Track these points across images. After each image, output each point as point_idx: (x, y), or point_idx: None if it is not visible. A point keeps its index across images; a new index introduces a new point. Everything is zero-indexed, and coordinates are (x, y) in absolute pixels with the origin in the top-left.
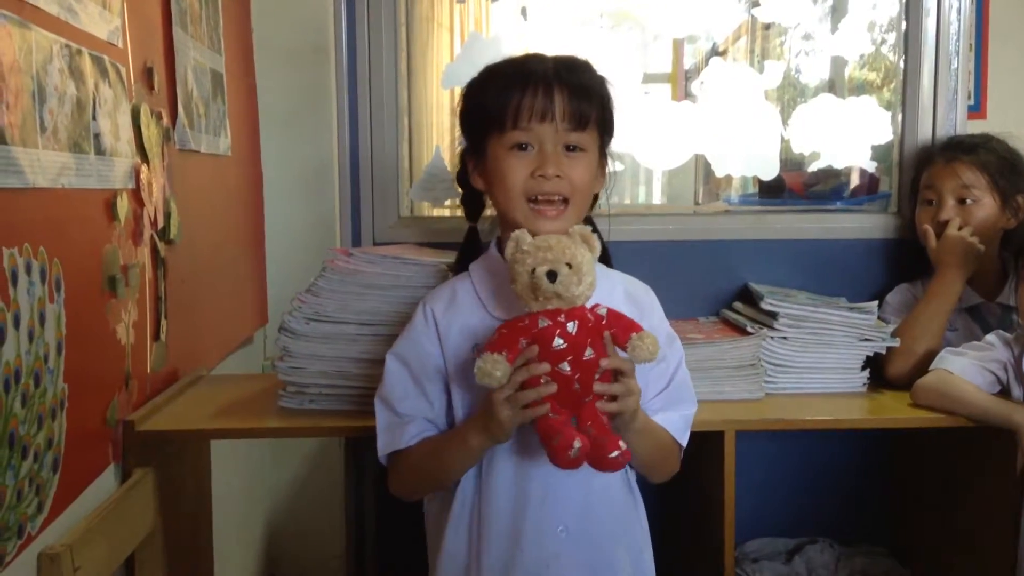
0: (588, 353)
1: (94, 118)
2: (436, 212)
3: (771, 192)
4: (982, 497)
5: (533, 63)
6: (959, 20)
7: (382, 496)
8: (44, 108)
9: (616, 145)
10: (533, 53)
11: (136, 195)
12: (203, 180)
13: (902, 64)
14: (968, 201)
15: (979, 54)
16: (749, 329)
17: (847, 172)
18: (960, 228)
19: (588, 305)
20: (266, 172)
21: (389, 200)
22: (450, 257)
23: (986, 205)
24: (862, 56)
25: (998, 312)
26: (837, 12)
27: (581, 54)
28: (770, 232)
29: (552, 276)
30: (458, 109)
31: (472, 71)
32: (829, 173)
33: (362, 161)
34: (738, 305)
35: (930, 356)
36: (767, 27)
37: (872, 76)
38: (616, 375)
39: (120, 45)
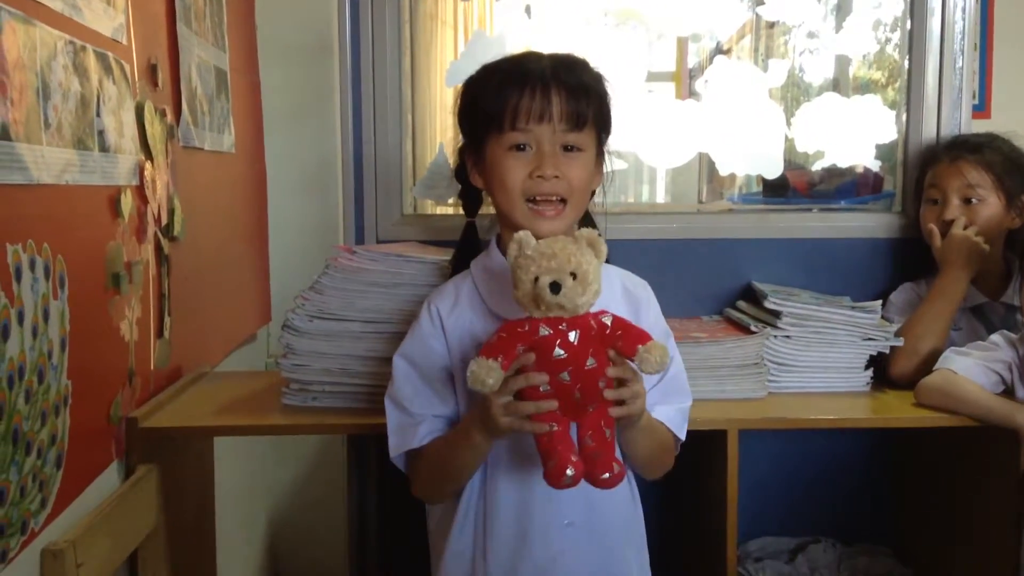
0: (590, 363)
1: (98, 115)
2: (439, 210)
3: (775, 191)
4: (985, 497)
5: (530, 62)
6: (964, 19)
7: (385, 493)
8: (48, 104)
9: (620, 143)
10: (530, 51)
11: (140, 192)
12: (207, 177)
13: (906, 63)
14: (973, 201)
15: (984, 54)
16: (752, 328)
17: (851, 171)
18: (965, 228)
19: (594, 310)
20: (270, 169)
21: (392, 198)
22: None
23: (991, 204)
24: (866, 55)
25: (1002, 312)
26: (842, 11)
27: (582, 52)
28: (774, 231)
29: (555, 288)
30: (455, 107)
31: (476, 69)
32: (833, 172)
33: (366, 159)
34: (742, 304)
35: (934, 356)
36: (771, 26)
37: (876, 75)
38: (621, 381)
39: (124, 42)
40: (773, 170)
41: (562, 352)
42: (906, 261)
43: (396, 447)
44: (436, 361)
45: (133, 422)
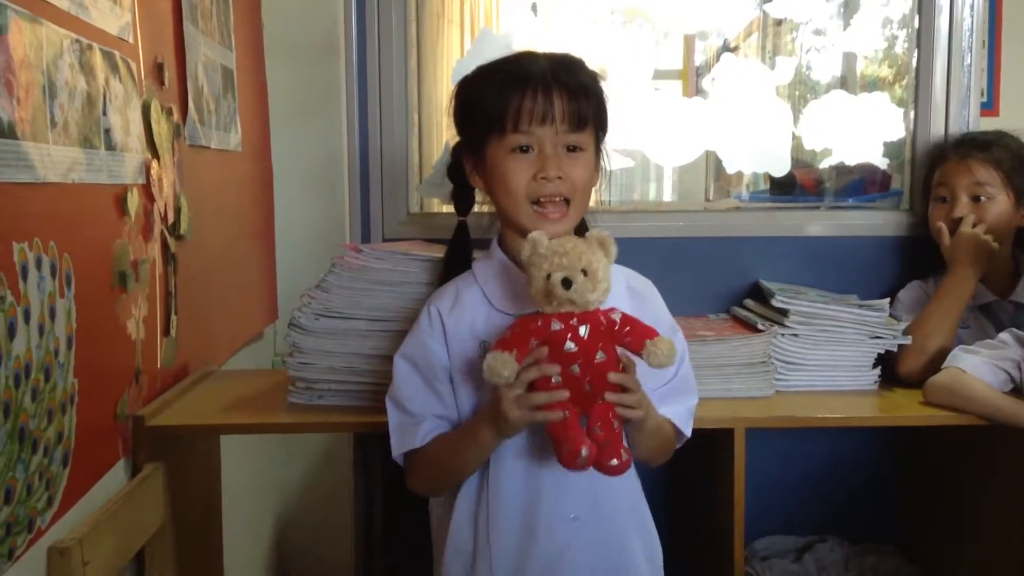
0: (600, 356)
1: (104, 113)
2: (445, 208)
3: (782, 189)
4: (993, 496)
5: (529, 63)
6: (972, 16)
7: (391, 491)
8: (55, 103)
9: (627, 142)
10: (526, 52)
11: (146, 190)
12: (213, 176)
13: (914, 61)
14: (982, 199)
15: (992, 51)
16: (760, 326)
17: (859, 169)
18: (974, 226)
19: (602, 307)
20: (276, 168)
21: (398, 196)
22: None
23: (1000, 202)
24: (874, 52)
25: (1011, 310)
26: (849, 8)
27: (589, 50)
28: (781, 229)
29: (567, 283)
30: (451, 106)
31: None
32: (841, 170)
33: (371, 157)
34: (749, 302)
35: (942, 354)
36: (779, 23)
37: (884, 73)
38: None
39: (131, 40)
40: (780, 168)
41: (573, 346)
42: (914, 259)
43: (397, 447)
44: (436, 362)
45: (140, 420)
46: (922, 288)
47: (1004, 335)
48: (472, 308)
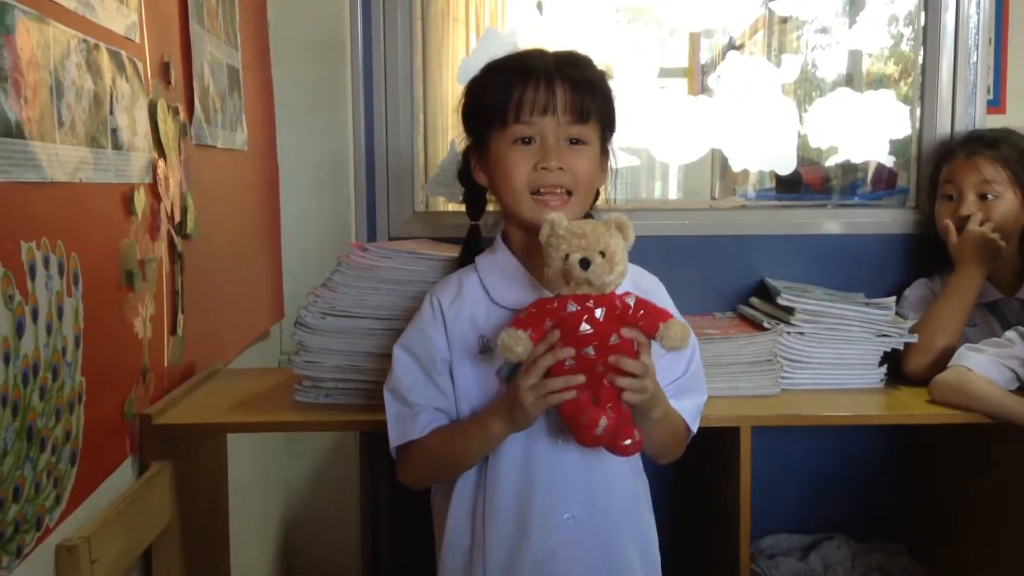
0: (614, 339)
1: (111, 113)
2: (451, 207)
3: (788, 187)
4: (999, 494)
5: (534, 58)
6: (978, 13)
7: (397, 489)
8: (62, 103)
9: (632, 140)
10: (533, 49)
11: (153, 190)
12: (220, 175)
13: (920, 58)
14: (989, 196)
15: (998, 48)
16: (765, 324)
17: (865, 167)
18: (981, 224)
19: (618, 292)
20: (282, 167)
21: (404, 195)
22: None
23: (1007, 200)
24: (880, 49)
25: (1017, 308)
26: (855, 6)
27: (594, 48)
28: (787, 227)
29: (585, 264)
30: (459, 107)
31: (480, 68)
32: (847, 168)
33: (377, 156)
34: (754, 300)
35: (949, 352)
36: (784, 21)
37: (890, 70)
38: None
39: (137, 40)
40: (786, 166)
41: (588, 328)
42: (920, 257)
43: (396, 438)
44: (436, 354)
45: (147, 419)
46: (928, 286)
47: (1010, 333)
48: (473, 301)
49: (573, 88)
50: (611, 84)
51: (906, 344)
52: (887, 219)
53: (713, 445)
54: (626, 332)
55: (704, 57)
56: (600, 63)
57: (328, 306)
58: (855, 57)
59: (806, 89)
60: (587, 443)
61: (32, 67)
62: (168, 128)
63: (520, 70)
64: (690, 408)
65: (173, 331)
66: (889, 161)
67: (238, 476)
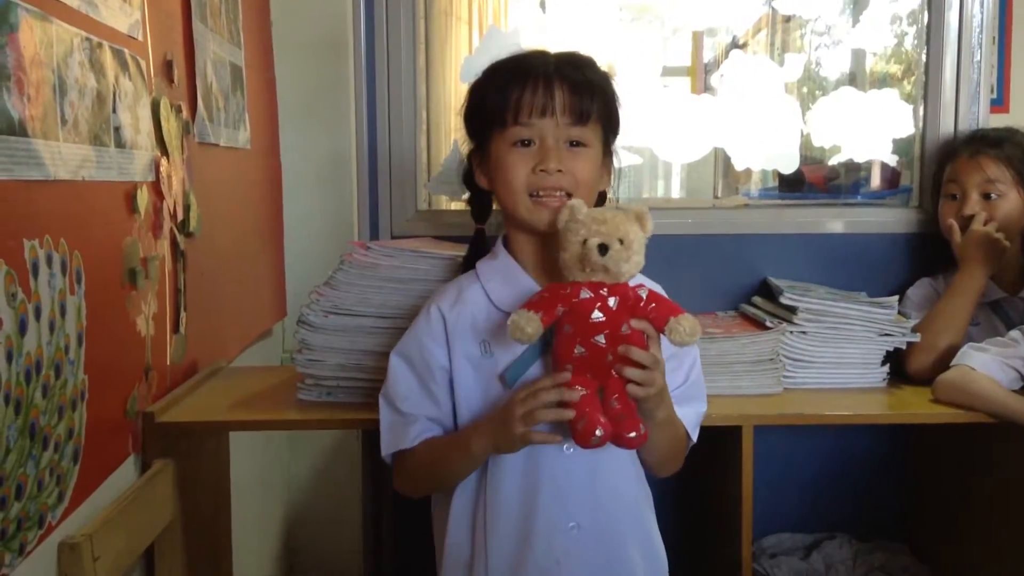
0: (625, 329)
1: (114, 111)
2: (454, 206)
3: (791, 186)
4: (1002, 494)
5: (534, 59)
6: (982, 12)
7: None
8: (65, 101)
9: (635, 138)
10: (535, 50)
11: (156, 188)
12: (222, 173)
13: (924, 57)
14: (993, 196)
15: (1002, 47)
16: (768, 324)
17: (868, 166)
18: (985, 223)
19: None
20: (285, 165)
21: (407, 193)
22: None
23: (1011, 200)
24: (885, 48)
25: (1021, 307)
26: (858, 4)
27: (597, 47)
28: (790, 226)
29: (603, 249)
30: (462, 110)
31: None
32: (850, 167)
33: (380, 154)
34: (757, 299)
35: (952, 351)
36: (787, 20)
37: (893, 69)
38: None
39: (140, 38)
40: (789, 165)
41: (600, 315)
42: (923, 256)
43: (387, 447)
44: (433, 361)
45: (149, 417)
46: (931, 285)
47: (1014, 332)
48: (474, 306)
49: (572, 89)
50: (615, 85)
51: (909, 343)
52: (890, 218)
53: (715, 444)
54: (636, 323)
55: (707, 56)
56: (603, 62)
57: (331, 304)
58: (858, 56)
59: (809, 88)
60: (585, 446)
61: (35, 65)
62: (171, 126)
63: (519, 71)
64: (690, 416)
65: (176, 329)
66: (892, 160)
67: (240, 474)
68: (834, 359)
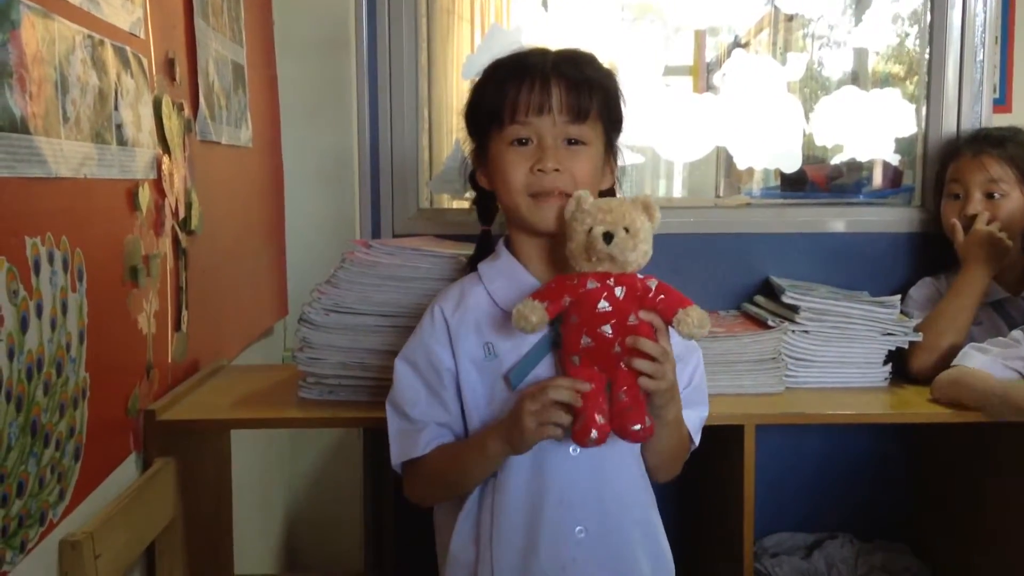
0: (632, 319)
1: (116, 109)
2: (455, 204)
3: (793, 185)
4: (1004, 493)
5: (532, 57)
6: (985, 12)
7: (400, 487)
8: (67, 98)
9: (637, 138)
10: (535, 47)
11: (158, 186)
12: (224, 171)
13: (926, 56)
14: (995, 195)
15: (1004, 47)
16: (770, 323)
17: (870, 165)
18: (988, 223)
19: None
20: (287, 164)
21: (409, 192)
22: (469, 249)
23: (1014, 199)
24: (887, 47)
25: (1023, 307)
26: (861, 4)
27: (597, 46)
28: (792, 225)
29: (608, 237)
30: (463, 110)
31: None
32: (852, 166)
33: (382, 153)
34: (759, 299)
35: (954, 351)
36: (790, 19)
37: (896, 69)
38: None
39: (142, 36)
40: (791, 164)
41: (607, 305)
42: (925, 256)
43: (398, 455)
44: (439, 365)
45: (151, 415)
46: (934, 285)
47: (1016, 332)
48: (477, 307)
49: (570, 87)
50: (618, 81)
51: (911, 343)
52: (892, 218)
53: (717, 443)
54: (644, 315)
55: (709, 55)
56: (604, 61)
57: (332, 303)
58: (861, 55)
59: (812, 87)
60: (582, 445)
61: (37, 62)
62: (173, 124)
63: (517, 70)
64: (693, 420)
65: (177, 327)
66: (895, 159)
67: (242, 472)
68: (836, 358)
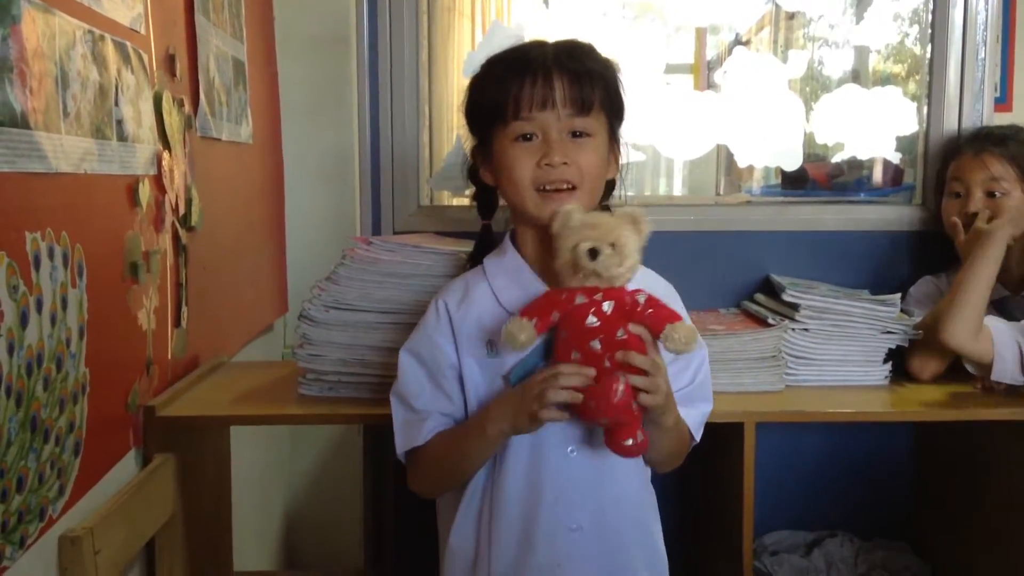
0: (621, 334)
1: (116, 104)
2: (456, 201)
3: (794, 183)
4: (1003, 492)
5: (532, 51)
6: (986, 10)
7: (400, 484)
8: (67, 93)
9: (638, 135)
10: (533, 40)
11: (158, 182)
12: (224, 168)
13: (927, 55)
14: (996, 194)
15: (1005, 46)
16: (770, 321)
17: (871, 163)
18: (989, 221)
19: (630, 289)
20: (287, 160)
21: (409, 189)
22: (469, 246)
23: (1015, 198)
24: (887, 46)
25: None
26: (862, 2)
27: (596, 41)
28: (792, 223)
29: (593, 254)
30: (463, 106)
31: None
32: (853, 164)
33: (382, 150)
34: (759, 297)
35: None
36: (791, 17)
37: (897, 68)
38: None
39: (143, 32)
40: (792, 162)
41: (595, 320)
42: (926, 254)
43: (402, 445)
44: (442, 358)
45: (151, 411)
46: (934, 283)
47: None
48: (480, 304)
49: (572, 79)
50: (618, 71)
51: (911, 341)
52: (893, 216)
53: (717, 441)
54: (633, 328)
55: (710, 53)
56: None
57: (332, 299)
58: (862, 53)
59: (812, 86)
60: (610, 415)
61: (37, 57)
62: (173, 120)
63: (517, 64)
64: (695, 416)
65: (177, 323)
66: (896, 158)
67: (241, 469)
68: (836, 356)
